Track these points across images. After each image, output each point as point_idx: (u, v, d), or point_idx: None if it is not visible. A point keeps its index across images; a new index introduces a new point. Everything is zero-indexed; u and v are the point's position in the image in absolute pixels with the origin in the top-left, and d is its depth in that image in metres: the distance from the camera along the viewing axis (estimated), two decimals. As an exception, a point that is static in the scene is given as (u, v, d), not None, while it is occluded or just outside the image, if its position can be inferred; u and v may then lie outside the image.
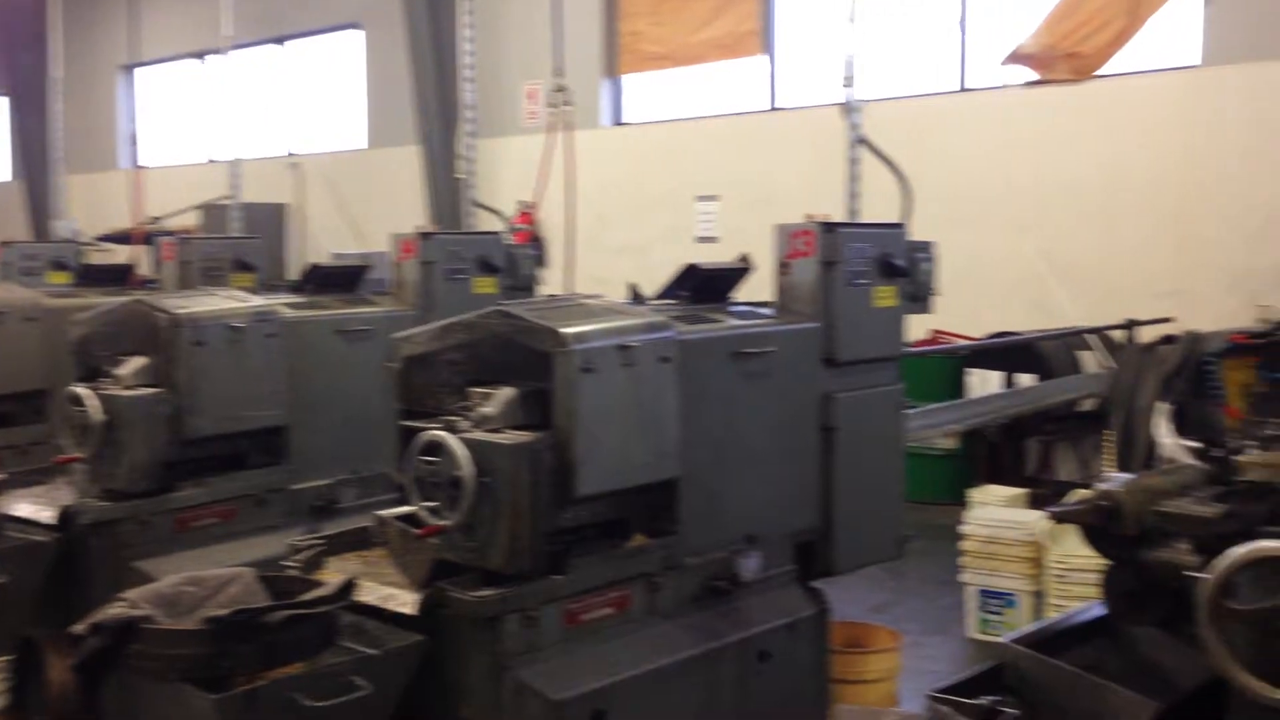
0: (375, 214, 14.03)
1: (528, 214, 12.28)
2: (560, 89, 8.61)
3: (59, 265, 7.88)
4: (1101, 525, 2.26)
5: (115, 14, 17.00)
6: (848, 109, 7.11)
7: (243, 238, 7.12)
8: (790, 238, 4.05)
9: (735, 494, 3.66)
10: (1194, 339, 2.59)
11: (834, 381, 3.95)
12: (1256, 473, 2.21)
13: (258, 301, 4.87)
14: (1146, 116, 8.67)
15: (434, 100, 12.58)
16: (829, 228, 4.01)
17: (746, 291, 4.31)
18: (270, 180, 15.02)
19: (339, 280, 5.39)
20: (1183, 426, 2.58)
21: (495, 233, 6.05)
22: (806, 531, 3.91)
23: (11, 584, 4.10)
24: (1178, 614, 2.18)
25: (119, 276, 6.68)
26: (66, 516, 4.34)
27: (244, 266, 6.74)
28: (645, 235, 11.17)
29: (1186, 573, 2.10)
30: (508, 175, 12.62)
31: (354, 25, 14.52)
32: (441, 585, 3.14)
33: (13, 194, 18.87)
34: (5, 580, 4.08)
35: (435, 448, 3.26)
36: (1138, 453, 2.67)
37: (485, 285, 5.58)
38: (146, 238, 12.05)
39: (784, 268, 4.07)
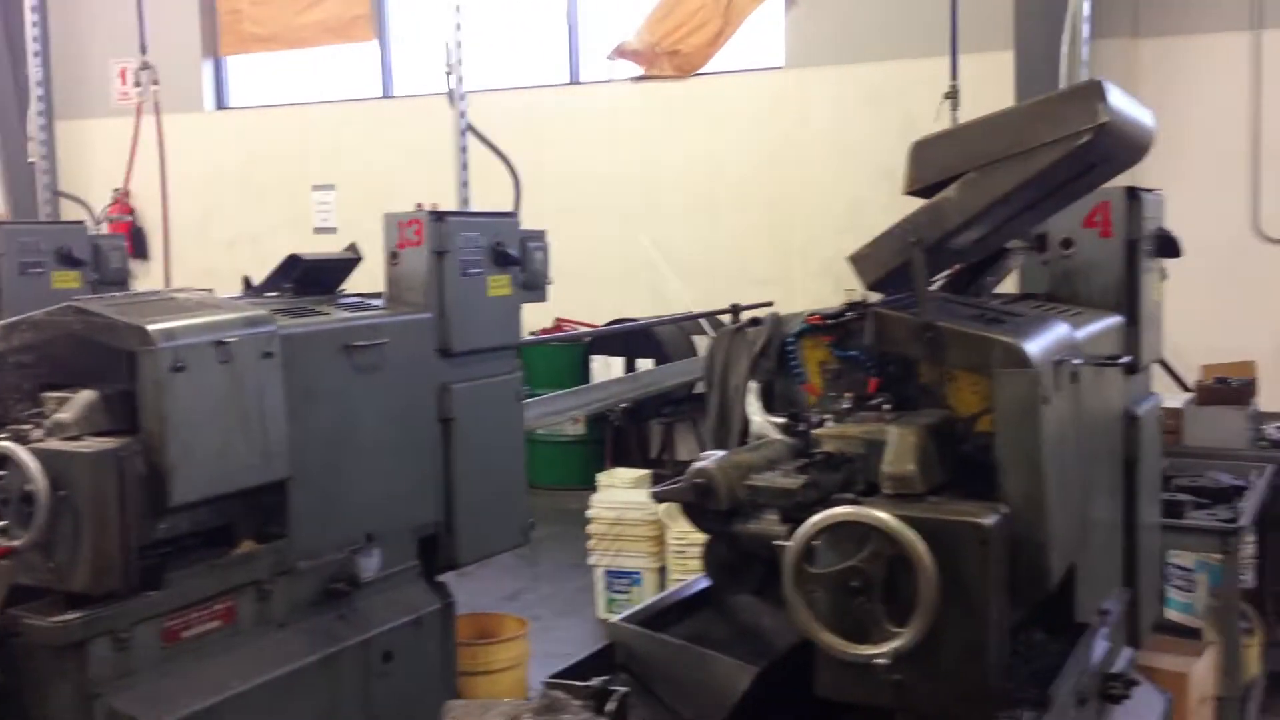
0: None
1: (122, 202, 11.38)
2: (146, 67, 8.00)
3: None
4: (698, 502, 2.36)
5: None
6: (453, 97, 7.10)
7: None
8: (400, 227, 3.97)
9: (351, 492, 3.54)
10: (777, 320, 2.76)
11: (450, 372, 3.92)
12: (831, 444, 2.37)
13: None
14: (741, 113, 9.25)
15: (7, 78, 11.33)
16: (438, 216, 3.96)
17: (359, 283, 4.19)
18: None
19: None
20: (771, 404, 2.74)
21: (78, 222, 5.54)
22: (428, 525, 3.86)
23: None
24: (771, 581, 2.30)
25: None
26: None
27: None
28: (260, 226, 10.63)
29: (774, 542, 2.22)
30: (99, 161, 11.61)
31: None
32: (13, 612, 2.82)
33: None
34: None
35: (1, 460, 2.93)
36: (732, 430, 2.82)
37: (67, 280, 5.09)
38: None
39: (394, 258, 3.98)
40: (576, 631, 5.78)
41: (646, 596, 5.63)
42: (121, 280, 5.38)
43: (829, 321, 2.53)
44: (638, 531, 5.80)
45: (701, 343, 8.57)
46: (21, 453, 2.89)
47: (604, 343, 8.80)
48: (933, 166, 2.50)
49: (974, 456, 2.32)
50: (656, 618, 2.78)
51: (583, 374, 8.76)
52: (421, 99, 9.97)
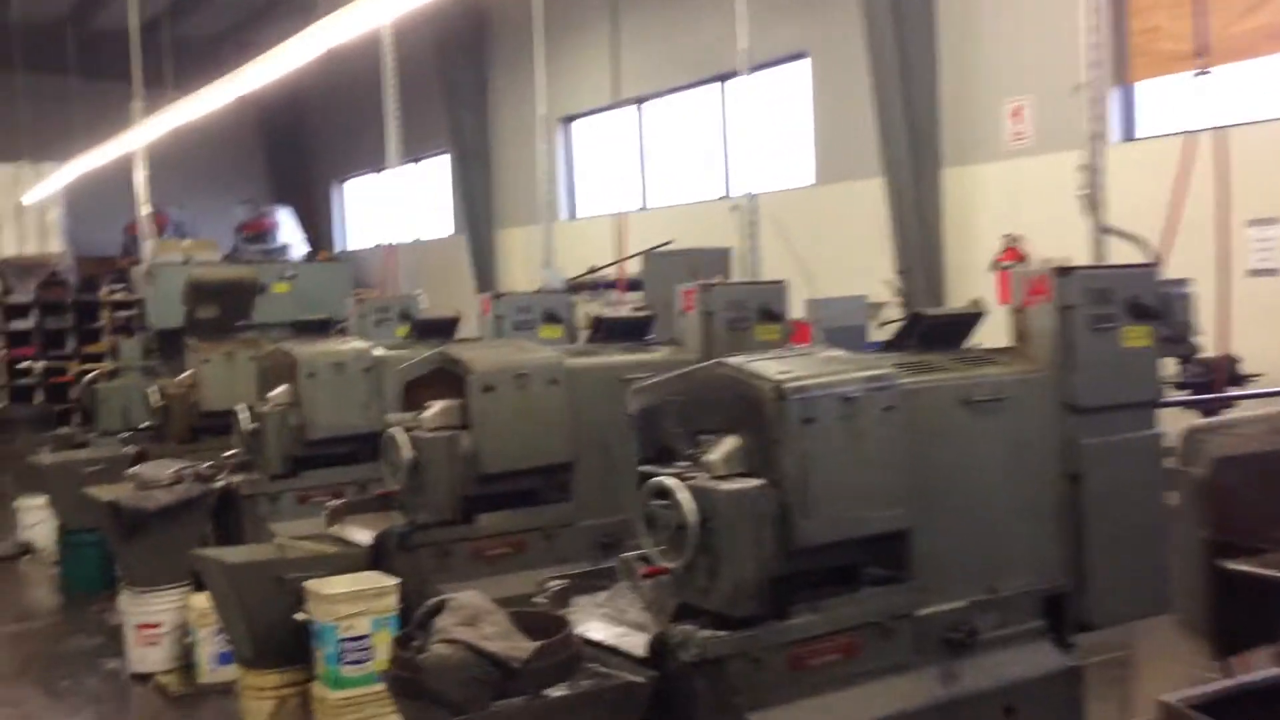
0: (824, 253, 13.02)
1: (1014, 249, 10.79)
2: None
3: (551, 318, 7.29)
4: None
5: (550, 67, 17.20)
6: None
7: (767, 283, 6.16)
8: None
9: None
10: None
11: None
12: None
13: (869, 363, 3.74)
14: None
15: (902, 127, 11.36)
16: None
17: None
18: (712, 224, 14.41)
19: (946, 333, 4.17)
20: None
21: (1148, 266, 4.66)
22: None
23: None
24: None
25: (635, 330, 5.86)
26: (661, 650, 3.36)
27: (769, 315, 5.79)
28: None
29: None
30: (983, 205, 11.21)
31: (800, 55, 13.61)
32: None
33: (455, 248, 19.53)
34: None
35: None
36: None
37: (1137, 336, 4.18)
38: (630, 285, 11.60)
39: None
40: None
41: None
42: (1186, 336, 4.40)
43: None
44: None
45: None
46: None
47: None
48: None
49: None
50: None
51: None
52: None
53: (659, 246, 13.52)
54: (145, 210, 11.74)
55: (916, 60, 11.28)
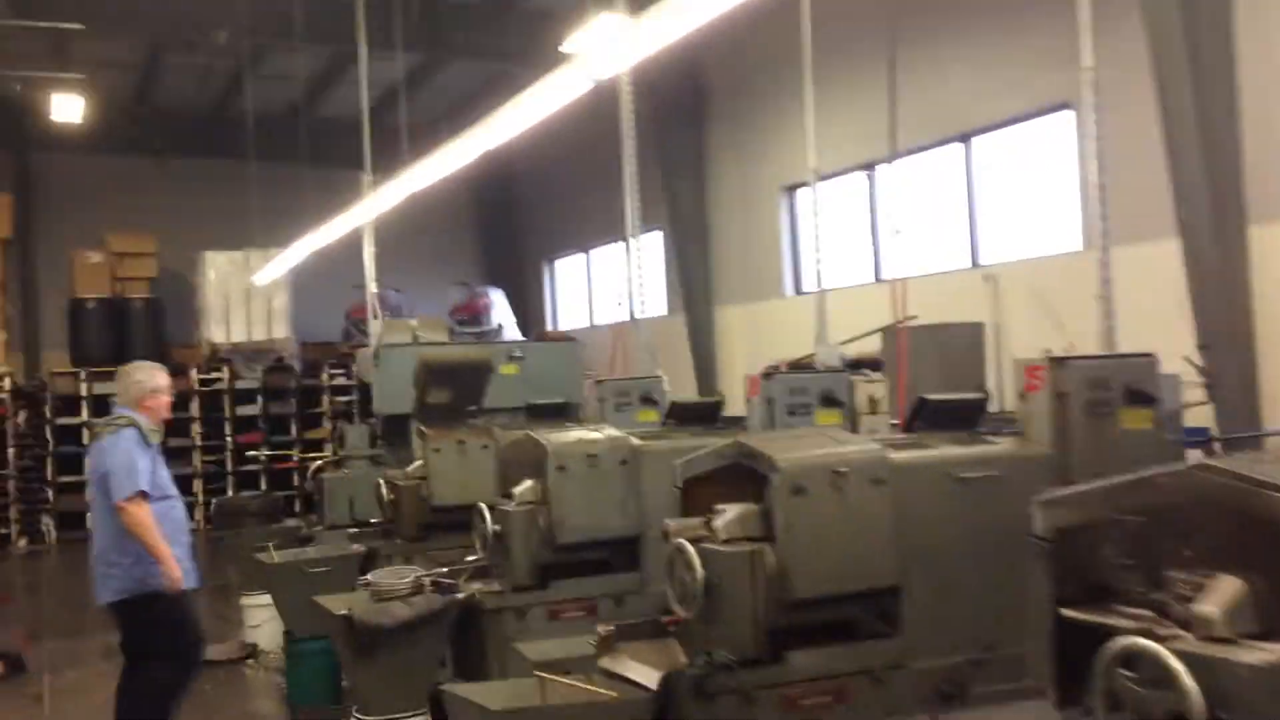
0: (1095, 328, 11.53)
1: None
2: None
3: (829, 400, 6.27)
4: None
5: (773, 135, 16.38)
6: None
7: (1132, 355, 4.95)
8: None
9: None
10: None
11: None
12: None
13: None
14: None
15: (1201, 181, 9.93)
16: None
17: None
18: (960, 296, 13.17)
19: None
20: None
21: None
22: None
23: None
24: None
25: (967, 417, 4.74)
26: None
27: (1138, 397, 4.61)
28: None
29: None
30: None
31: (1063, 106, 12.34)
32: None
33: (671, 327, 18.76)
34: None
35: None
36: None
37: None
38: (870, 364, 10.44)
39: None
40: None
41: None
42: None
43: None
44: None
45: None
46: None
47: None
48: None
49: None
50: None
51: None
52: None
53: (903, 321, 12.36)
54: (373, 288, 11.33)
55: (1215, 103, 9.88)
